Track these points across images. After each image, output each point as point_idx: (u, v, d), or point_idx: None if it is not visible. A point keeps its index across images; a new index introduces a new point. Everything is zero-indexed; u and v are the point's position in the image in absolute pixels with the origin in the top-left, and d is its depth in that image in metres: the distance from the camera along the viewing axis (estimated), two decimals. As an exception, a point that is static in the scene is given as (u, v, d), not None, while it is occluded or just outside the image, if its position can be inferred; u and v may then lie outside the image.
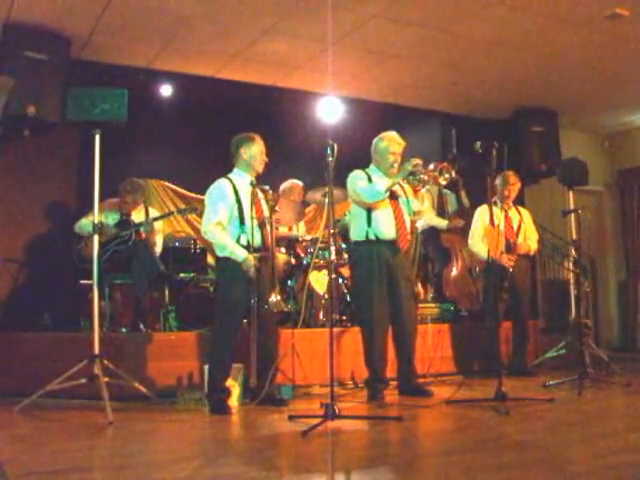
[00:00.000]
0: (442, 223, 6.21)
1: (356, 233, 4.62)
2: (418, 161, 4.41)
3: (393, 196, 4.57)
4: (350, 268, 4.88)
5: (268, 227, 4.31)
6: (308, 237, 5.98)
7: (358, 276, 4.65)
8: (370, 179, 4.58)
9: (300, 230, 6.19)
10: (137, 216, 5.41)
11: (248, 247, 4.15)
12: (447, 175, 4.50)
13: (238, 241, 4.16)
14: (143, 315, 5.14)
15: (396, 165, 4.57)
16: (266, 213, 4.32)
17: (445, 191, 6.36)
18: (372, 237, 4.52)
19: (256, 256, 4.14)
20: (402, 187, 4.65)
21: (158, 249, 5.44)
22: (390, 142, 4.62)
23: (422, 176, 4.46)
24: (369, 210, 4.53)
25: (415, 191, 4.66)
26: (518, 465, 2.72)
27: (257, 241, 4.19)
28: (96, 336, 4.01)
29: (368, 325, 4.52)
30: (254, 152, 4.28)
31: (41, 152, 5.82)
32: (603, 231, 8.56)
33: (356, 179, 4.58)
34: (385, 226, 4.52)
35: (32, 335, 4.83)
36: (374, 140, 4.70)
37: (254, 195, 4.24)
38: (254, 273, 4.10)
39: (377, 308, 4.46)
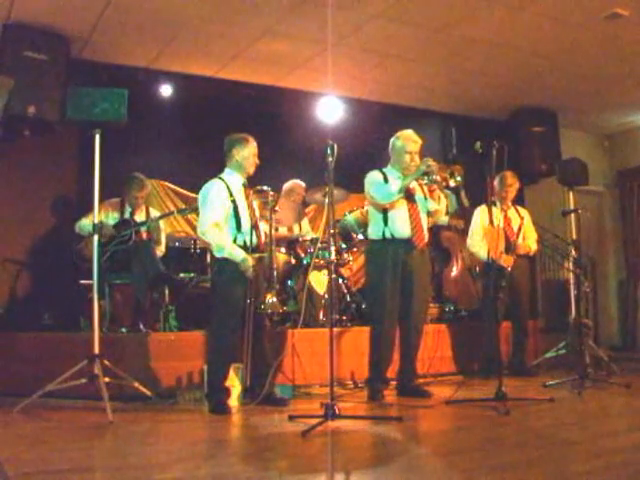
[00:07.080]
0: (444, 218, 6.19)
1: (373, 232, 4.62)
2: (432, 162, 4.40)
3: (409, 195, 4.57)
4: (365, 265, 4.89)
5: (261, 228, 4.33)
6: (308, 237, 5.98)
7: (371, 273, 4.67)
8: (386, 179, 4.58)
9: (303, 228, 6.18)
10: (138, 216, 5.41)
11: (245, 248, 4.16)
12: (458, 178, 4.46)
13: (235, 242, 4.16)
14: (143, 315, 5.13)
15: (413, 164, 4.55)
16: (257, 214, 4.35)
17: (445, 191, 6.35)
18: (388, 236, 4.53)
19: (255, 256, 4.15)
20: (421, 186, 4.64)
21: (163, 248, 5.45)
22: (406, 141, 4.60)
23: (435, 177, 4.44)
24: (385, 210, 4.53)
25: (431, 191, 4.65)
26: (518, 465, 2.72)
27: (253, 241, 4.21)
28: (96, 336, 4.01)
29: (378, 321, 4.52)
30: (246, 154, 4.27)
31: (41, 152, 5.80)
32: (603, 231, 8.56)
33: (372, 180, 4.58)
34: (401, 225, 4.52)
35: (32, 335, 4.83)
36: (391, 139, 4.69)
37: (247, 196, 4.26)
38: (252, 274, 4.11)
39: (388, 305, 4.47)
